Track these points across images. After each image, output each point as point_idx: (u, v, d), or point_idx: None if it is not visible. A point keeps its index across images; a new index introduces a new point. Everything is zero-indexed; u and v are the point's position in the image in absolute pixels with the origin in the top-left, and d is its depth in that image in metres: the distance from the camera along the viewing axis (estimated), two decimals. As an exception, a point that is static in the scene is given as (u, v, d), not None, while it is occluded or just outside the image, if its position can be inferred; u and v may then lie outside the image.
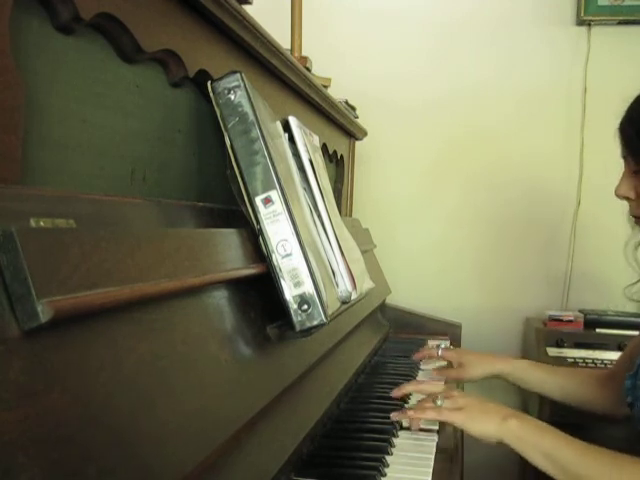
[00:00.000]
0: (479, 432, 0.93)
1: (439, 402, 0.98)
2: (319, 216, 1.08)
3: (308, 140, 1.14)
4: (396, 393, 1.15)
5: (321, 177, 1.15)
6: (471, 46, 2.18)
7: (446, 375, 1.36)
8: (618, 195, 1.07)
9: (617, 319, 1.90)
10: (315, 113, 1.46)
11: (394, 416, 1.04)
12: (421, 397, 1.11)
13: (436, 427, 1.05)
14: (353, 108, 1.86)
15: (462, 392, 1.04)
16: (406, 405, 1.14)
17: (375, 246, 1.93)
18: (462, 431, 0.99)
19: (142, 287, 0.54)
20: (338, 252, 1.08)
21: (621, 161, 1.08)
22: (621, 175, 1.07)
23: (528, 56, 2.15)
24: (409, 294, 2.15)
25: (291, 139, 1.08)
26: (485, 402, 0.97)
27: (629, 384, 1.06)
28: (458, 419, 0.95)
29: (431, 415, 0.97)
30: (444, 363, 1.43)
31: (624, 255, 1.16)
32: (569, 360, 1.79)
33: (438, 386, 1.09)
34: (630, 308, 1.96)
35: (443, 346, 1.42)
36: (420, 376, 1.42)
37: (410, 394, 1.26)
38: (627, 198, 1.06)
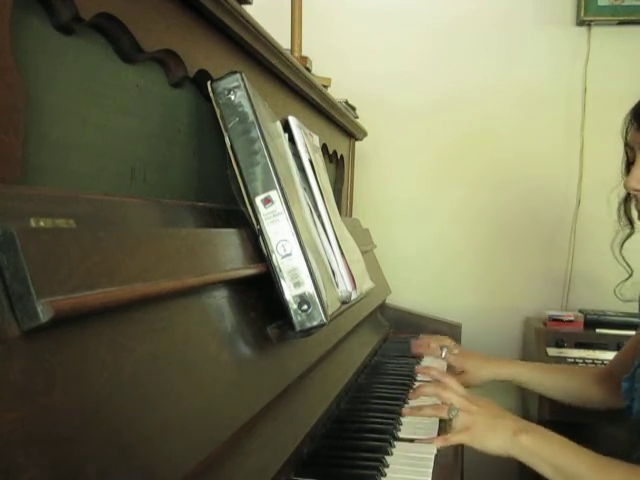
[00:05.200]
0: (487, 449, 0.93)
1: (454, 412, 0.96)
2: (319, 216, 1.08)
3: (308, 140, 1.14)
4: (413, 395, 1.11)
5: (321, 177, 1.15)
6: (471, 46, 2.18)
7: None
8: (630, 187, 1.01)
9: (617, 319, 1.90)
10: (315, 113, 1.45)
11: (407, 413, 1.05)
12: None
13: (435, 432, 1.04)
14: (353, 108, 1.86)
15: (475, 399, 1.00)
16: (412, 401, 1.13)
17: (375, 246, 1.93)
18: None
19: (142, 287, 0.54)
20: (338, 252, 1.08)
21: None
22: (622, 167, 1.07)
23: (528, 56, 2.15)
24: (409, 294, 2.15)
25: (291, 139, 1.08)
26: (493, 414, 0.96)
27: (626, 387, 1.07)
28: (466, 439, 0.95)
29: (440, 442, 0.95)
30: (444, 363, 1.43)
31: (612, 253, 1.16)
32: (569, 360, 1.79)
33: (458, 389, 1.03)
34: (630, 308, 1.96)
35: (446, 350, 1.41)
36: (421, 376, 1.42)
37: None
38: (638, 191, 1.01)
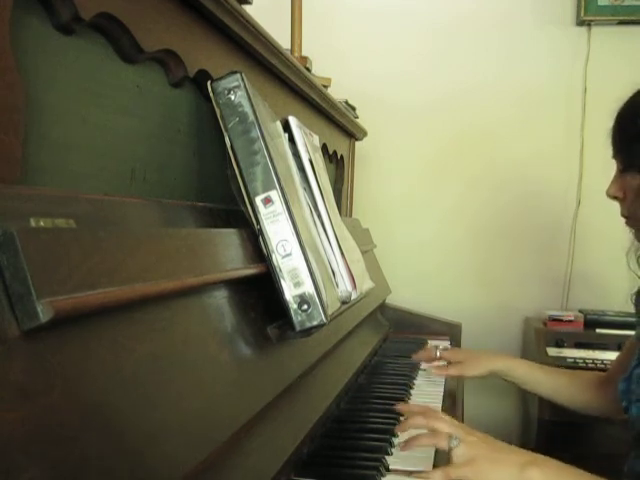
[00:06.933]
0: None
1: (454, 442, 0.86)
2: (319, 216, 1.08)
3: (308, 140, 1.14)
4: (400, 428, 0.95)
5: (321, 177, 1.15)
6: (471, 46, 2.18)
7: (446, 374, 1.35)
8: (608, 195, 1.08)
9: (617, 319, 1.90)
10: (315, 113, 1.46)
11: (402, 447, 0.91)
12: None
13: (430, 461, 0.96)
14: (353, 108, 1.86)
15: (471, 430, 0.90)
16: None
17: (375, 246, 1.93)
18: None
19: (142, 287, 0.54)
20: (338, 252, 1.08)
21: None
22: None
23: (528, 56, 2.15)
24: (409, 294, 2.15)
25: (291, 139, 1.08)
26: (495, 447, 0.87)
27: (623, 387, 1.06)
28: (468, 474, 0.84)
29: (439, 476, 0.85)
30: (444, 362, 1.43)
31: (626, 262, 1.15)
32: (569, 360, 1.79)
33: (450, 420, 0.92)
34: (630, 308, 1.96)
35: (442, 347, 1.42)
36: (420, 376, 1.42)
37: (410, 395, 1.26)
38: (616, 198, 1.06)
